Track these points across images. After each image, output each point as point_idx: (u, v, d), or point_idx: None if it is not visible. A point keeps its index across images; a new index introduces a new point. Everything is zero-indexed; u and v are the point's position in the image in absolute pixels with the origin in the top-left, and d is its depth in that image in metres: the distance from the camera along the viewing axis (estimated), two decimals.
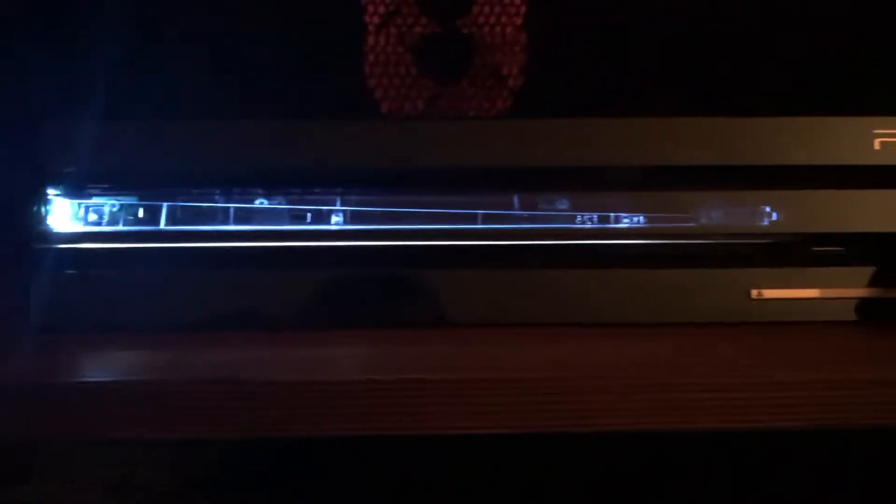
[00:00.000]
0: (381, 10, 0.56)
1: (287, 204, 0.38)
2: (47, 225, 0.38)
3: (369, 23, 0.57)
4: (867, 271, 0.38)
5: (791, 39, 0.43)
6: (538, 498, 0.56)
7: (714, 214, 0.38)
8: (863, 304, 0.38)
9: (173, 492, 0.58)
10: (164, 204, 0.38)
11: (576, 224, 0.38)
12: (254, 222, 0.38)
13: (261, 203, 0.38)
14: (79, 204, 0.38)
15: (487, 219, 0.38)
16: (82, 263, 0.37)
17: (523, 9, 0.54)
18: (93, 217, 0.38)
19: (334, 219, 0.38)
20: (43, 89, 0.38)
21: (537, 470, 0.56)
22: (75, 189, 0.38)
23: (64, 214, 0.38)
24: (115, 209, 0.38)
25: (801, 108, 0.38)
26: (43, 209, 0.38)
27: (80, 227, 0.38)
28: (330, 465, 0.56)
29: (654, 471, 0.56)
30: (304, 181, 0.38)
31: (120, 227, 0.38)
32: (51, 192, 0.38)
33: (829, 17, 0.44)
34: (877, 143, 0.38)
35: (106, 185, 0.38)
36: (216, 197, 0.38)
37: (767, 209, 0.38)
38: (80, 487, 0.58)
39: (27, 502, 0.57)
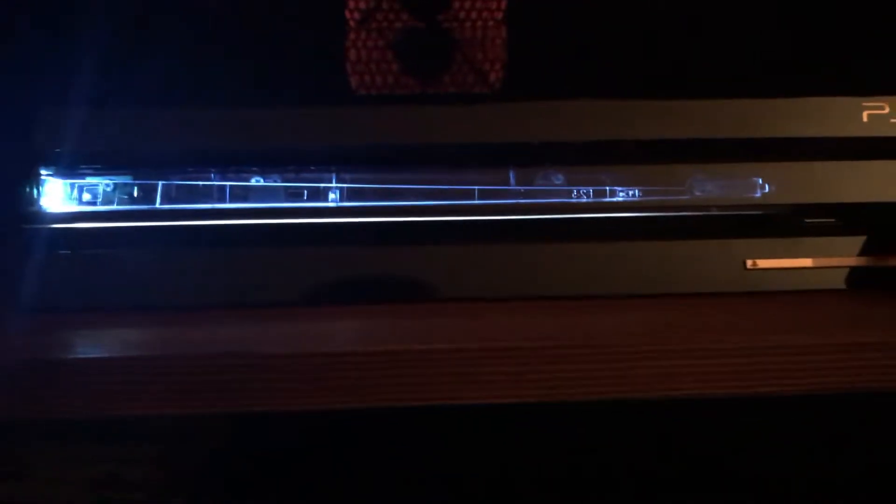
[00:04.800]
0: (362, 5, 0.57)
1: (283, 182, 0.38)
2: (41, 206, 0.37)
3: (350, 18, 0.57)
4: (858, 240, 0.39)
5: (780, 16, 0.44)
6: (543, 466, 0.57)
7: (708, 187, 0.38)
8: (854, 273, 0.39)
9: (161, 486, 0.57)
10: (160, 182, 0.37)
11: (572, 198, 0.38)
12: (250, 200, 0.38)
13: (256, 181, 0.38)
14: (73, 184, 0.37)
15: (484, 194, 0.38)
16: (77, 243, 0.37)
17: (504, 3, 0.55)
18: (87, 197, 0.37)
19: (331, 196, 0.38)
20: (38, 71, 0.38)
21: (539, 439, 0.56)
22: (69, 169, 0.37)
23: (59, 195, 0.37)
24: (109, 189, 0.37)
25: (793, 84, 0.39)
26: (37, 190, 0.37)
27: (74, 208, 0.37)
28: (339, 439, 0.56)
29: (655, 439, 0.56)
30: (298, 160, 0.38)
31: (115, 207, 0.37)
32: (44, 172, 0.37)
33: None
34: (865, 116, 0.38)
35: (99, 166, 0.38)
36: (211, 176, 0.38)
37: (760, 181, 0.38)
38: (69, 484, 0.57)
39: (17, 499, 0.56)
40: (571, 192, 0.38)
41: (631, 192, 0.38)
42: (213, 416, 0.33)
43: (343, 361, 0.33)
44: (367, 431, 0.55)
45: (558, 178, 0.38)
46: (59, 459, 0.57)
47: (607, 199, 0.38)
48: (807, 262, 0.38)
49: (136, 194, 0.38)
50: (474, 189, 0.38)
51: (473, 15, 0.57)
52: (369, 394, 0.33)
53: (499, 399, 0.34)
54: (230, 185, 0.38)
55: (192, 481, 0.58)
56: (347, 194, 0.38)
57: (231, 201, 0.38)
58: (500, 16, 0.57)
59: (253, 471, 0.57)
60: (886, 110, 0.38)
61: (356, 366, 0.33)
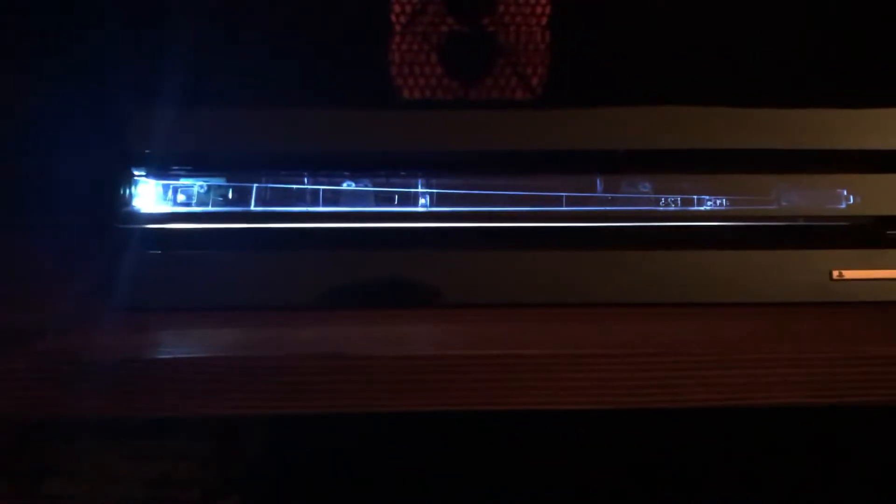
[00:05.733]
0: (408, 9, 0.57)
1: (373, 186, 0.38)
2: (135, 206, 0.38)
3: (395, 22, 0.57)
4: None
5: (865, 30, 0.44)
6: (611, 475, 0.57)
7: (794, 197, 0.39)
8: None
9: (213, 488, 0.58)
10: (254, 185, 0.38)
11: (659, 206, 0.39)
12: (341, 204, 0.38)
13: (348, 185, 0.38)
14: (166, 185, 0.38)
15: (571, 201, 0.39)
16: (170, 243, 0.38)
17: (548, 8, 0.55)
18: (181, 198, 0.38)
19: (420, 200, 0.38)
20: (131, 71, 0.38)
21: (622, 446, 0.56)
22: (162, 170, 0.38)
23: (151, 196, 0.38)
24: (202, 190, 0.38)
25: (876, 98, 0.39)
26: (130, 190, 0.38)
27: (167, 208, 0.38)
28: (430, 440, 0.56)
29: (737, 448, 0.56)
30: (389, 164, 0.39)
31: (207, 208, 0.38)
32: (137, 173, 0.38)
33: None
34: None
35: (191, 167, 0.38)
36: (304, 179, 0.38)
37: (845, 192, 0.39)
38: (119, 482, 0.58)
39: (66, 496, 0.57)
40: (659, 200, 0.39)
41: (718, 202, 0.39)
42: (302, 417, 0.33)
43: (430, 365, 0.34)
44: (444, 436, 0.56)
45: (645, 186, 0.39)
46: (113, 456, 0.58)
47: (694, 208, 0.39)
48: (892, 273, 0.38)
49: (229, 196, 0.38)
50: (562, 196, 0.39)
51: (518, 20, 0.57)
52: (451, 397, 0.34)
53: (593, 405, 0.34)
54: (322, 189, 0.38)
55: (247, 480, 0.58)
56: (437, 199, 0.38)
57: (323, 205, 0.38)
58: (544, 21, 0.58)
59: (314, 471, 0.57)
60: None
61: (436, 370, 0.34)
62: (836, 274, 0.38)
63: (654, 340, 0.35)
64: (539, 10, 0.57)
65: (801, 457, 0.58)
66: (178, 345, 0.36)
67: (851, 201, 0.39)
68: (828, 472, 0.57)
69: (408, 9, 0.58)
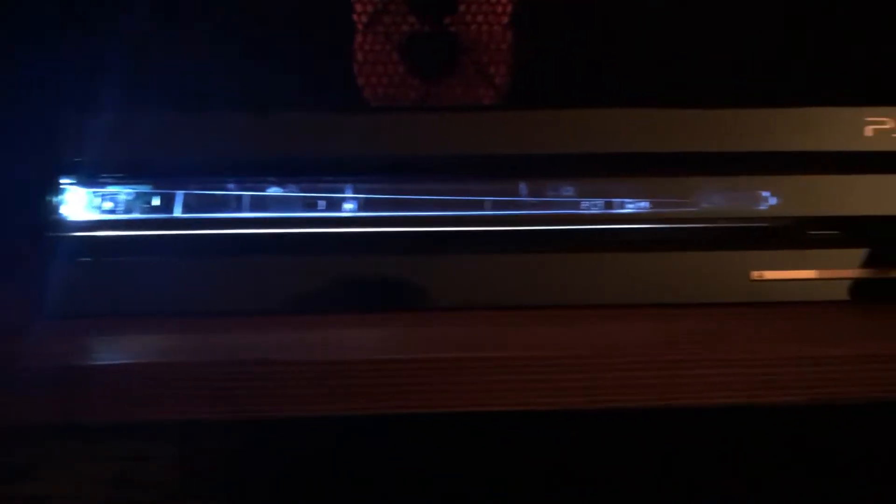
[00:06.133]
0: (370, 8, 0.57)
1: (299, 192, 0.39)
2: (62, 214, 0.38)
3: (357, 21, 0.57)
4: (861, 253, 0.40)
5: (786, 33, 0.45)
6: (546, 475, 0.57)
7: (715, 199, 0.39)
8: (857, 285, 0.39)
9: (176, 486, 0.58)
10: (179, 192, 0.38)
11: (581, 210, 0.39)
12: (267, 209, 0.39)
13: (274, 191, 0.39)
14: (94, 193, 0.38)
15: (495, 205, 0.39)
16: (98, 251, 0.38)
17: (510, 7, 0.55)
18: (108, 205, 0.38)
19: (346, 206, 0.39)
20: (59, 79, 0.39)
21: (544, 448, 0.57)
22: (90, 178, 0.38)
23: (79, 203, 0.38)
24: (130, 198, 0.38)
25: (798, 99, 0.40)
26: (58, 198, 0.38)
27: (95, 216, 0.38)
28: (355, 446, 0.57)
29: (660, 448, 0.57)
30: (315, 170, 0.39)
31: (135, 216, 0.38)
32: (65, 181, 0.38)
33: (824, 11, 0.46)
34: (868, 131, 0.39)
35: (120, 175, 0.39)
36: (229, 185, 0.39)
37: (766, 194, 0.39)
38: (83, 482, 0.58)
39: (32, 497, 0.57)
40: (581, 203, 0.39)
41: (640, 204, 0.39)
42: (230, 422, 0.33)
43: (355, 369, 0.34)
44: (377, 438, 0.56)
45: (568, 190, 0.39)
46: (73, 457, 0.58)
47: (616, 211, 0.39)
48: (811, 273, 0.39)
49: (156, 203, 0.38)
50: (486, 200, 0.39)
51: (480, 19, 0.58)
52: (381, 400, 0.34)
53: (506, 407, 0.35)
54: (248, 195, 0.38)
55: (205, 483, 0.59)
56: (363, 204, 0.39)
57: (249, 210, 0.38)
58: (506, 20, 0.58)
59: (264, 475, 0.58)
60: (890, 125, 0.39)
61: (366, 373, 0.34)
62: (755, 275, 0.39)
63: (572, 343, 0.36)
64: (500, 9, 0.58)
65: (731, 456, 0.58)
66: (106, 352, 0.36)
67: (772, 202, 0.39)
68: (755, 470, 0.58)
69: (369, 8, 0.58)
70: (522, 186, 0.39)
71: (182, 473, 0.59)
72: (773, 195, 0.39)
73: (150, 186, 0.38)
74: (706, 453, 0.58)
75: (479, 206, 0.39)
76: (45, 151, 0.38)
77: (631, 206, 0.39)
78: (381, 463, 0.57)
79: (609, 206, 0.39)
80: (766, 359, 0.34)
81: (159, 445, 0.59)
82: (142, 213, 0.38)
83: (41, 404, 0.34)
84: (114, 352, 0.35)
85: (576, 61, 0.55)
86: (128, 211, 0.38)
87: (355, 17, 0.58)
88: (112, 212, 0.38)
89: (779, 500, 0.57)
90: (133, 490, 0.58)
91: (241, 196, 0.38)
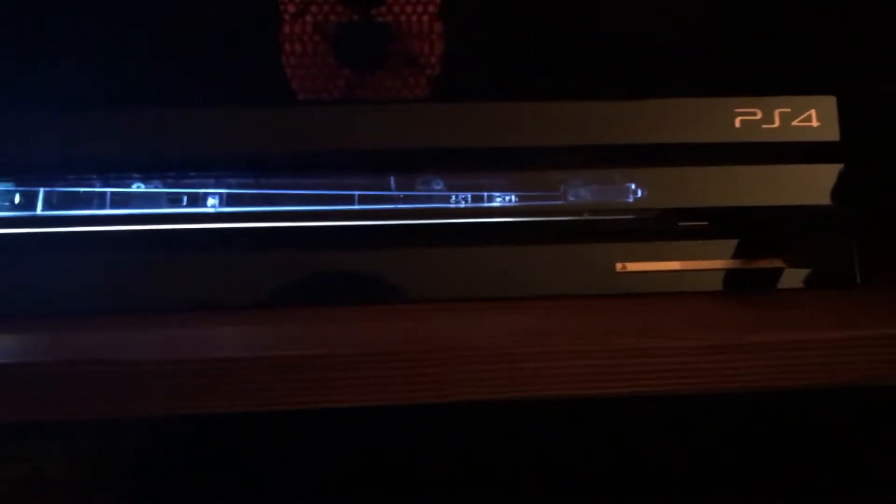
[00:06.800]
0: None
1: (164, 188, 0.38)
2: None
3: (285, 11, 0.57)
4: (730, 244, 0.40)
5: (658, 24, 0.45)
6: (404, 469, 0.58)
7: (582, 192, 0.39)
8: (726, 275, 0.40)
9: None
10: (41, 189, 0.38)
11: (451, 203, 0.39)
12: (130, 206, 0.38)
13: (137, 187, 0.38)
14: None
15: (364, 199, 0.39)
16: None
17: None
18: None
19: (210, 201, 0.38)
20: None
21: (404, 442, 0.57)
22: None
23: None
24: None
25: (666, 90, 0.40)
26: None
27: None
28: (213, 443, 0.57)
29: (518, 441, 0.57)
30: (180, 166, 0.39)
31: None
32: None
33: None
34: (737, 122, 0.39)
35: None
36: (93, 182, 0.38)
37: (633, 186, 0.39)
38: None
39: None
40: (450, 197, 0.39)
41: (507, 198, 0.39)
42: (79, 423, 0.33)
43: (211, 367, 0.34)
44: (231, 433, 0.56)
45: (438, 184, 0.39)
46: None
47: (485, 205, 0.39)
48: (674, 265, 0.39)
49: (17, 201, 0.38)
50: (354, 194, 0.39)
51: (409, 9, 0.57)
52: (239, 399, 0.34)
53: (366, 402, 0.35)
54: (111, 192, 0.38)
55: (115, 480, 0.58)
56: (227, 200, 0.38)
57: (112, 207, 0.38)
58: (435, 10, 0.58)
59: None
60: (759, 116, 0.39)
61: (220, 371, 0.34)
62: (619, 266, 0.39)
63: (426, 337, 0.36)
64: None
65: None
66: None
67: (639, 194, 0.39)
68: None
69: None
70: (392, 180, 0.39)
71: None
72: (640, 187, 0.39)
73: (11, 184, 0.38)
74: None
75: (349, 200, 0.39)
76: None
77: (499, 200, 0.39)
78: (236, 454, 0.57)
79: (477, 199, 0.39)
80: (617, 351, 0.34)
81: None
82: (1, 210, 0.38)
83: None
84: None
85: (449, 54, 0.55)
86: None
87: (282, 6, 0.57)
88: None
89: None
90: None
91: (104, 193, 0.38)
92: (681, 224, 0.40)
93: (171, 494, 0.57)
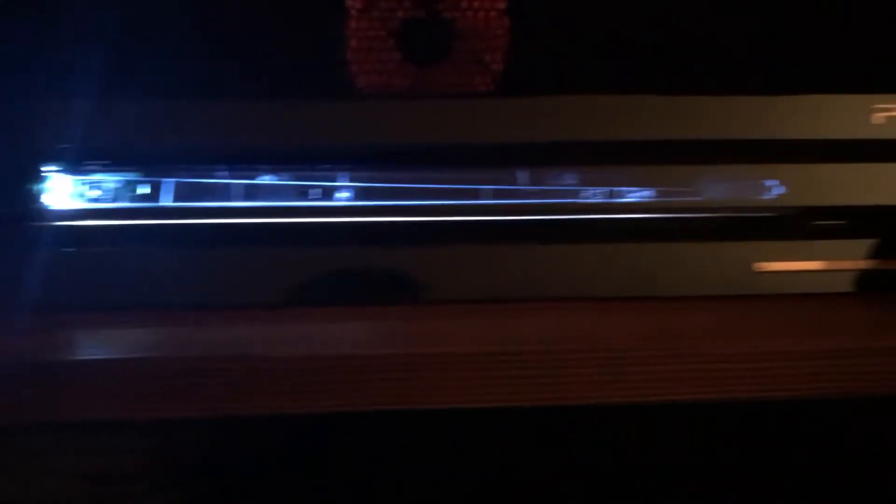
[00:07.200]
0: None
1: (292, 180, 0.37)
2: (44, 203, 0.37)
3: (351, 7, 0.56)
4: (868, 243, 0.39)
5: (792, 19, 0.44)
6: (527, 471, 0.57)
7: (719, 189, 0.38)
8: (863, 276, 0.38)
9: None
10: (167, 180, 0.37)
11: (582, 199, 0.38)
12: (258, 198, 0.37)
13: (267, 179, 0.37)
14: (78, 181, 0.37)
15: (495, 194, 0.38)
16: (81, 241, 0.37)
17: None
18: (92, 194, 0.37)
19: (340, 195, 0.37)
20: (41, 65, 0.37)
21: (537, 444, 0.56)
22: (72, 166, 0.37)
23: (63, 192, 0.37)
24: (116, 186, 0.37)
25: (804, 86, 0.39)
26: (39, 187, 0.37)
27: (78, 205, 0.37)
28: (332, 441, 0.56)
29: (655, 443, 0.56)
30: (308, 159, 0.38)
31: (120, 204, 0.37)
32: (47, 169, 0.37)
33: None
34: (875, 118, 0.38)
35: (104, 162, 0.37)
36: (220, 173, 0.37)
37: (771, 183, 0.38)
38: (59, 478, 0.57)
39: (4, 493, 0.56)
40: (582, 192, 0.38)
41: (642, 193, 0.38)
42: (214, 419, 0.32)
43: (347, 364, 0.33)
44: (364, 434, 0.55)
45: (568, 178, 0.38)
46: (47, 453, 0.57)
47: (618, 200, 0.38)
48: (815, 265, 0.38)
49: (144, 192, 0.37)
50: (485, 188, 0.38)
51: (476, 4, 0.56)
52: (367, 397, 0.33)
53: (499, 402, 0.34)
54: (238, 184, 0.37)
55: (185, 478, 0.58)
56: (357, 193, 0.37)
57: (239, 199, 0.37)
58: (502, 6, 0.57)
59: (247, 471, 0.57)
60: None
61: (355, 369, 0.33)
62: (758, 266, 0.38)
63: (570, 336, 0.35)
64: None
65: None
66: (90, 346, 0.35)
67: (777, 192, 0.38)
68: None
69: None
70: (521, 175, 0.38)
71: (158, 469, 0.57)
72: (777, 184, 0.38)
73: (136, 174, 0.37)
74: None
75: (478, 195, 0.38)
76: (27, 138, 0.36)
77: (633, 196, 0.38)
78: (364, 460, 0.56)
79: (611, 195, 0.38)
80: (768, 353, 0.34)
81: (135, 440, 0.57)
82: (128, 201, 0.37)
83: (16, 401, 0.32)
84: (88, 347, 0.34)
85: (573, 47, 0.54)
86: (114, 199, 0.37)
87: (348, 2, 0.56)
88: (96, 200, 0.37)
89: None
90: (109, 486, 0.57)
91: (230, 184, 0.37)
92: (816, 223, 0.39)
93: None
